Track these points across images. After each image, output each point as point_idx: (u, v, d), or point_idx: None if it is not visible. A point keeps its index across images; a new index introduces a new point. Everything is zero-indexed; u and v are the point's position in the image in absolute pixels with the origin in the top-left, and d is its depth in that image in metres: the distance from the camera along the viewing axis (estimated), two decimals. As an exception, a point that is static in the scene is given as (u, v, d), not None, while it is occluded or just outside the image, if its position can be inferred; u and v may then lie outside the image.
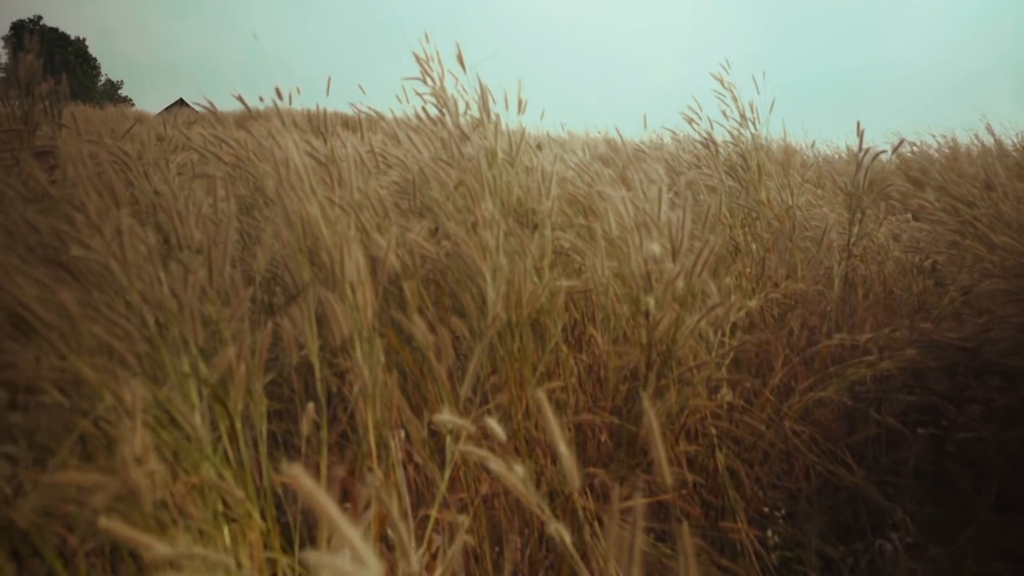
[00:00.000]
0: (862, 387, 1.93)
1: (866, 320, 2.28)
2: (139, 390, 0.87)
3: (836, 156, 8.40)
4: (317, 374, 1.19)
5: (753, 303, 2.21)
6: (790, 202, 2.41)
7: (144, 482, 0.82)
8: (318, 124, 2.31)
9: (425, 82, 1.82)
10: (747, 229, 2.54)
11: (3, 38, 32.75)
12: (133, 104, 38.92)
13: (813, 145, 8.71)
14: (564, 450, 0.88)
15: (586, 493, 1.53)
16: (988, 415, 1.91)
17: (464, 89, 1.83)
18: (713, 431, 1.68)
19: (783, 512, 1.70)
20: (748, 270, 2.52)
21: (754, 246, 2.52)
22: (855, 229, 2.51)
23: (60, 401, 0.96)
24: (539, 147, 2.54)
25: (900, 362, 1.86)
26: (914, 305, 2.52)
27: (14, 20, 33.62)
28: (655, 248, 1.32)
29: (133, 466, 0.81)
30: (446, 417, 1.30)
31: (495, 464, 0.89)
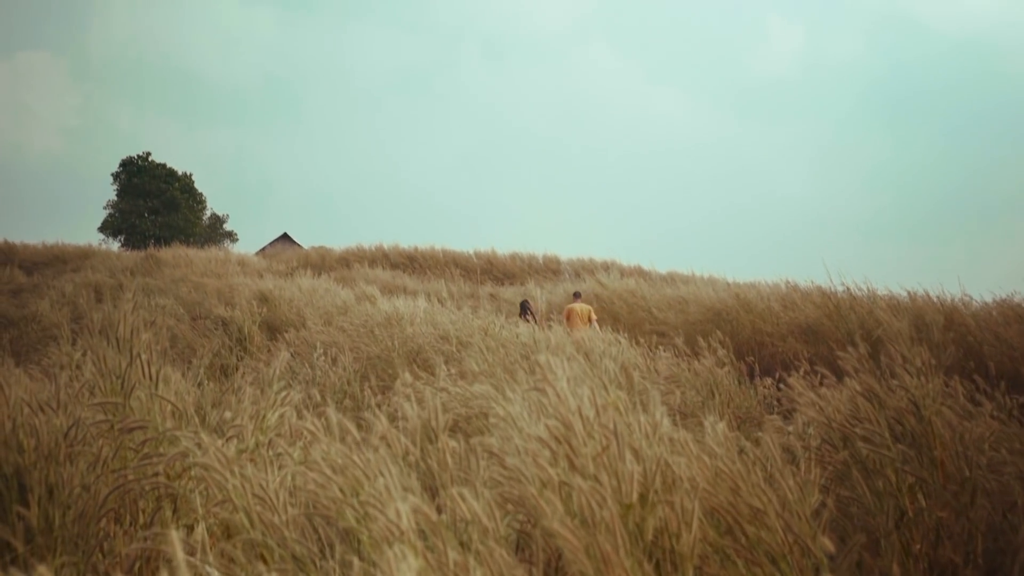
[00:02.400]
0: None
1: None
2: None
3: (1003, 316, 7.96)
4: None
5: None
6: (967, 473, 2.20)
7: None
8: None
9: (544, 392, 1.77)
10: (916, 494, 2.33)
11: (112, 175, 35.53)
12: (236, 239, 41.32)
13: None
14: None
15: None
16: None
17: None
18: None
19: None
20: (918, 546, 2.30)
21: (926, 515, 2.30)
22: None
23: None
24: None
25: None
26: None
27: (124, 157, 36.45)
28: None
29: None
30: None
31: None
